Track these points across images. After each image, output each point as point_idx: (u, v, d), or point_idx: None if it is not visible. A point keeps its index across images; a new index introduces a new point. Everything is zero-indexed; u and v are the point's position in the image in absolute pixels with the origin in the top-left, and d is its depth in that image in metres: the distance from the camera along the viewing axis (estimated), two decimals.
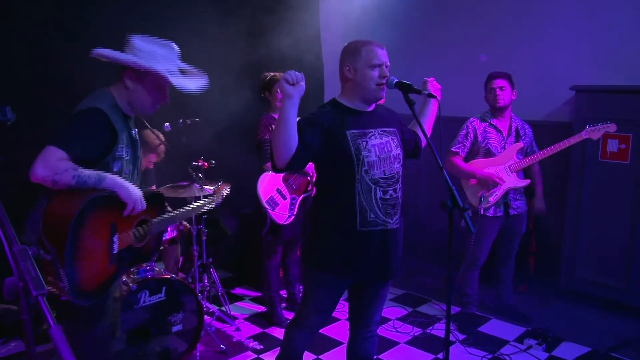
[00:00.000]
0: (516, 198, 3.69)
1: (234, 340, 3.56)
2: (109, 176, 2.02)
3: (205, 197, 3.11)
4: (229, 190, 3.29)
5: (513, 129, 3.69)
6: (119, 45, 2.16)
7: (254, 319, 3.92)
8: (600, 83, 3.94)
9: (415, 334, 3.66)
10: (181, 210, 2.66)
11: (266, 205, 3.55)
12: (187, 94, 2.18)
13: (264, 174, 3.62)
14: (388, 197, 2.27)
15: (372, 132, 2.28)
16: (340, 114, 2.28)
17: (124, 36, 2.18)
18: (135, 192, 2.08)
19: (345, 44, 2.34)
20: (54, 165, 1.90)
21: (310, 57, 4.92)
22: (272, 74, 3.72)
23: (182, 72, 2.22)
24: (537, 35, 4.33)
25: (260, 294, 4.36)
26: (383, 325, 3.73)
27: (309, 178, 3.71)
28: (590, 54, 4.07)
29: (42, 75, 3.59)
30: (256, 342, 3.52)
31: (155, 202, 2.29)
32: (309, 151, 2.15)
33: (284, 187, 3.64)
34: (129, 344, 2.82)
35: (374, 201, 2.23)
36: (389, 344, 3.51)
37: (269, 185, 3.63)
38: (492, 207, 3.63)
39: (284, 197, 3.62)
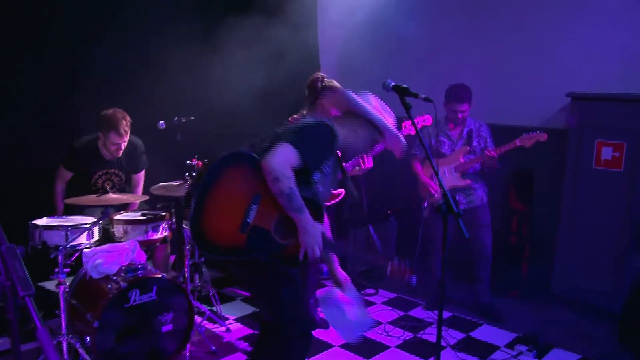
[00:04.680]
0: (468, 194, 3.92)
1: (225, 341, 3.54)
2: (308, 215, 2.10)
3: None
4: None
5: (465, 133, 3.90)
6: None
7: (244, 319, 3.90)
8: (596, 91, 3.95)
9: (406, 338, 3.66)
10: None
11: None
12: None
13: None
14: None
15: None
16: None
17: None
18: (314, 240, 2.11)
19: None
20: (286, 166, 2.02)
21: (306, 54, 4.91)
22: (325, 80, 3.29)
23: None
24: (533, 41, 4.34)
25: (250, 295, 4.34)
26: (374, 329, 3.73)
27: None
28: (586, 61, 4.08)
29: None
30: (247, 344, 3.50)
31: (312, 210, 2.14)
32: None
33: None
34: (118, 343, 2.80)
35: None
36: (380, 347, 3.50)
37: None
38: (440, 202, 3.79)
39: None
